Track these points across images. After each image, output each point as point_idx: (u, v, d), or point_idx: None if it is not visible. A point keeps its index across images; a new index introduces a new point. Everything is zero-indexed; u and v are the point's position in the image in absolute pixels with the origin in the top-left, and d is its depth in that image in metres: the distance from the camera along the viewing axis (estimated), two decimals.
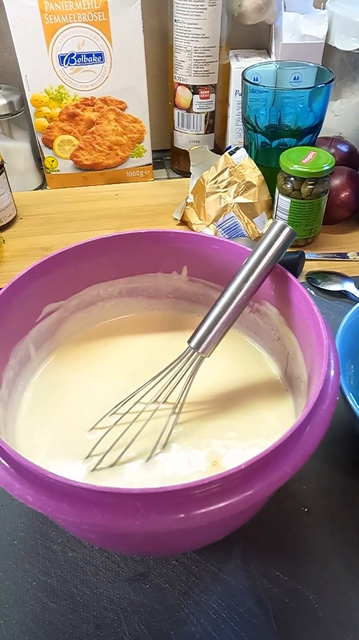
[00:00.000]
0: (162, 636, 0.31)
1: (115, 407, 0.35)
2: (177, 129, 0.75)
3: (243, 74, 0.60)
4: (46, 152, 0.74)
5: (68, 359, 0.40)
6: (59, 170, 0.75)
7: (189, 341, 0.35)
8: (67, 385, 0.39)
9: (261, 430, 0.35)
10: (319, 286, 0.56)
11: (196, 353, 0.34)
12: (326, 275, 0.57)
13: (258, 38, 0.76)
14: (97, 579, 0.34)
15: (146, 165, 0.77)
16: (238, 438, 0.35)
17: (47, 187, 0.77)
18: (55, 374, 0.39)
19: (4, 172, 0.63)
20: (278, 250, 0.34)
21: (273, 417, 0.36)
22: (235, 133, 0.76)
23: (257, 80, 0.63)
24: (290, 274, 0.35)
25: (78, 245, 0.38)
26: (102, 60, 0.66)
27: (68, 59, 0.66)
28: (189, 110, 0.72)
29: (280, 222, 0.34)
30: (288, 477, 0.25)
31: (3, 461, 0.26)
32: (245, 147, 0.64)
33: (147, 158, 0.76)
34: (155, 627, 0.32)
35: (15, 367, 0.36)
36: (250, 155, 0.61)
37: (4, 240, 0.63)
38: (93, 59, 0.66)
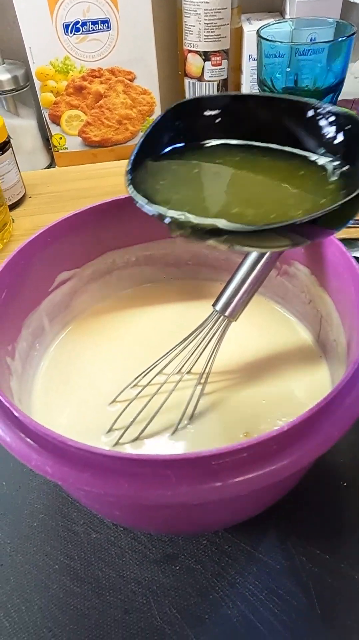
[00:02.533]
0: (196, 620, 0.29)
1: (136, 378, 0.33)
2: None
3: (258, 31, 0.56)
4: (53, 130, 0.71)
5: (85, 331, 0.38)
6: (67, 148, 0.73)
7: (214, 304, 0.32)
8: (84, 357, 0.36)
9: (294, 400, 0.33)
10: None
11: (222, 317, 0.32)
12: (352, 242, 0.54)
13: (271, 0, 0.72)
14: (123, 561, 0.32)
15: None
16: (269, 409, 0.32)
17: (56, 167, 0.74)
18: (71, 346, 0.37)
19: (10, 148, 0.61)
20: None
21: (307, 385, 0.33)
22: None
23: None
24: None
25: (93, 207, 0.35)
26: (108, 27, 0.63)
27: (73, 28, 0.63)
28: (200, 78, 0.69)
29: None
30: (334, 440, 0.23)
31: (19, 431, 0.24)
32: None
33: None
34: (188, 610, 0.30)
35: (29, 338, 0.34)
36: None
37: (13, 220, 0.61)
38: (99, 27, 0.63)
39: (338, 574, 0.30)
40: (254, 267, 0.31)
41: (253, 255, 0.32)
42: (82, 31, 0.63)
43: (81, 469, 0.22)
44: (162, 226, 0.39)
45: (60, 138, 0.72)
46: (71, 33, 0.63)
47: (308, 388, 0.33)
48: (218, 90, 0.70)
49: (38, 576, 0.31)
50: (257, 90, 0.64)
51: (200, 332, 0.33)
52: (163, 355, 0.33)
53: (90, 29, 0.63)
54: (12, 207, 0.63)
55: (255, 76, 0.69)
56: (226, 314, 0.32)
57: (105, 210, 0.36)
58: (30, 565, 0.32)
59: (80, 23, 0.63)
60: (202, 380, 0.33)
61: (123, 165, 0.80)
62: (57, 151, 0.73)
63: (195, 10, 0.64)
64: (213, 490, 0.21)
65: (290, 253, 0.34)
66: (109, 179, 0.69)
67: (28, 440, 0.23)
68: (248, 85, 0.71)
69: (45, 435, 0.22)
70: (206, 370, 0.33)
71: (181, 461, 0.21)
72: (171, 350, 0.33)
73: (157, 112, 0.71)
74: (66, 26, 0.63)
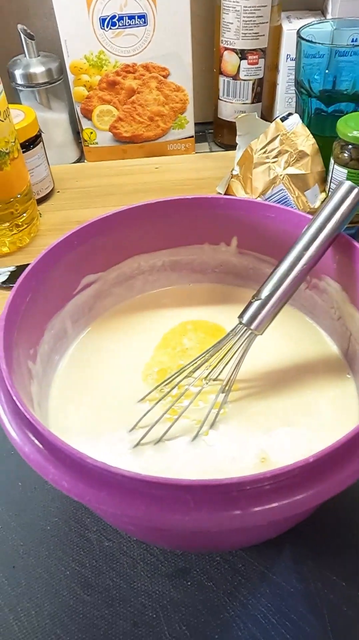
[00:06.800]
0: (205, 639, 0.29)
1: (164, 381, 0.32)
2: (222, 98, 0.71)
3: (298, 31, 0.55)
4: (85, 124, 0.71)
5: (106, 330, 0.38)
6: (97, 143, 0.72)
7: (240, 316, 0.31)
8: (103, 356, 0.36)
9: (318, 414, 0.32)
10: None
11: (247, 330, 0.31)
12: None
13: None
14: (135, 572, 0.31)
15: (188, 137, 0.73)
16: (293, 421, 0.31)
17: (85, 161, 0.74)
18: (91, 345, 0.37)
19: (41, 142, 0.61)
20: (345, 214, 0.30)
21: (332, 399, 0.32)
22: (284, 102, 0.71)
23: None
24: (357, 243, 0.31)
25: (120, 211, 0.35)
26: (144, 22, 0.62)
27: (109, 22, 0.62)
28: (236, 77, 0.68)
29: (347, 183, 0.30)
30: None
31: (37, 442, 0.23)
32: None
33: (189, 130, 0.72)
34: (198, 628, 0.29)
35: (51, 341, 0.34)
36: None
37: (40, 214, 0.61)
38: (136, 22, 0.62)
39: (354, 602, 0.29)
40: (283, 281, 0.31)
41: (283, 267, 0.31)
42: (119, 26, 0.62)
43: (98, 487, 0.21)
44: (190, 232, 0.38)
45: (91, 133, 0.71)
46: (107, 27, 0.63)
47: (332, 402, 0.32)
48: (252, 90, 0.68)
49: (49, 581, 0.31)
50: (294, 91, 0.62)
51: (225, 344, 0.32)
52: (191, 362, 0.32)
53: (127, 24, 0.62)
54: (40, 201, 0.63)
55: (292, 76, 0.68)
56: (252, 327, 0.31)
57: (133, 214, 0.35)
58: (42, 570, 0.32)
59: (116, 17, 0.62)
60: (226, 388, 0.32)
61: (154, 162, 0.79)
62: (87, 146, 0.73)
63: (234, 7, 0.62)
64: (232, 519, 0.20)
65: (321, 267, 0.33)
66: (138, 176, 0.68)
67: (46, 452, 0.23)
68: (284, 86, 0.69)
69: (64, 449, 0.22)
70: (230, 379, 0.32)
71: (202, 487, 0.20)
72: (197, 358, 0.32)
73: (190, 110, 0.70)
74: (102, 20, 0.62)
